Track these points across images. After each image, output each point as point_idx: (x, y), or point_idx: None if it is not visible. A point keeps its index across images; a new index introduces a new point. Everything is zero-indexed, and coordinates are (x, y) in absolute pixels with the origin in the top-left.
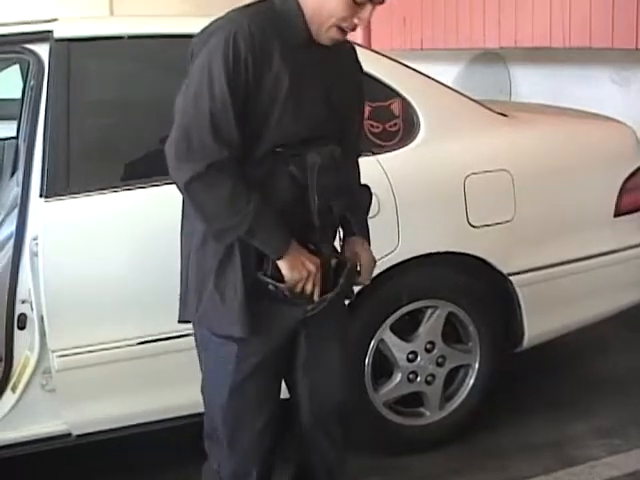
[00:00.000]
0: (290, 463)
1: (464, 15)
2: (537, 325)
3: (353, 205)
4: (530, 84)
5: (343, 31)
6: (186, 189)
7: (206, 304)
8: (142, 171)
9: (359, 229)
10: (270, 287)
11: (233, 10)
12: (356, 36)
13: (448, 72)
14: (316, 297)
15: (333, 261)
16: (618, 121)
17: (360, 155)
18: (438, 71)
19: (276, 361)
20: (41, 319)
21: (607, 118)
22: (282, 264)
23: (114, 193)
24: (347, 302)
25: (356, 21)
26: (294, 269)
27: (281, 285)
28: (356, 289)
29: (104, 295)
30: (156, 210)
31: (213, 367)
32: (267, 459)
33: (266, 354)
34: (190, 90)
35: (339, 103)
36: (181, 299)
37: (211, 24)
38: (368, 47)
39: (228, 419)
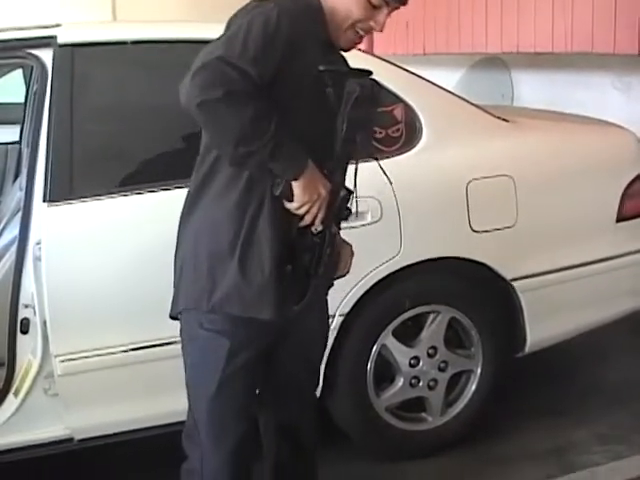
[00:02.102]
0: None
1: (466, 20)
2: (539, 330)
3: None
4: (532, 89)
5: (359, 35)
6: (207, 109)
7: (226, 286)
8: (146, 176)
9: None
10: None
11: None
12: None
13: (450, 77)
14: (318, 223)
15: (342, 192)
16: (620, 127)
17: None
18: (440, 76)
19: (261, 360)
20: (44, 323)
21: (609, 124)
22: (296, 184)
23: (117, 198)
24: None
25: (372, 24)
26: (306, 190)
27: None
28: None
29: (107, 300)
30: (160, 215)
31: (200, 360)
32: (250, 458)
33: (258, 350)
34: (222, 37)
35: None
36: (176, 290)
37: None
38: (370, 52)
39: (214, 416)
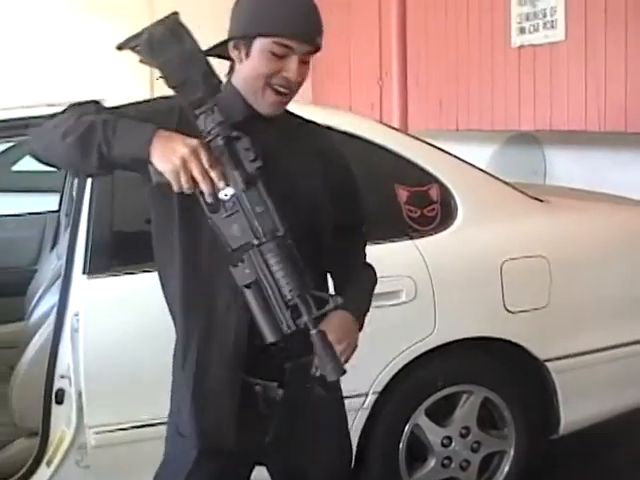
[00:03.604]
0: None
1: (499, 98)
2: (574, 412)
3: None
4: (565, 167)
5: (278, 92)
6: (35, 131)
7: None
8: None
9: (350, 303)
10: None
11: None
12: (392, 117)
13: (483, 152)
14: (205, 188)
15: (219, 139)
16: None
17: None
18: (473, 151)
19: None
20: (79, 395)
21: None
22: (154, 160)
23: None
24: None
25: (285, 74)
26: (163, 158)
27: None
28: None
29: (143, 373)
30: None
31: (170, 459)
32: None
33: (229, 464)
34: None
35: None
36: None
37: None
38: (405, 131)
39: None
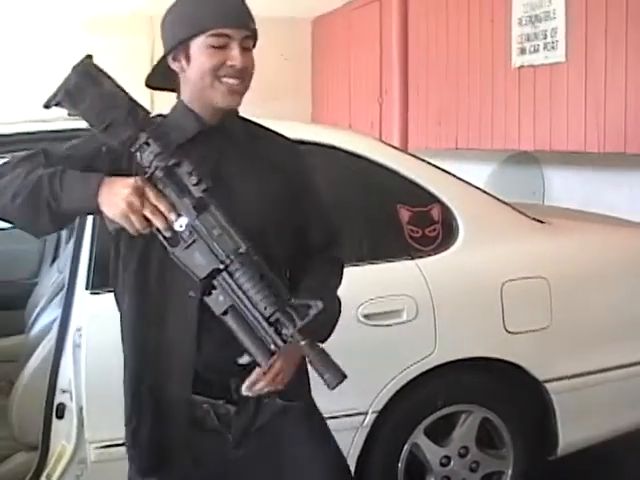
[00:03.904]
0: None
1: (499, 117)
2: (572, 433)
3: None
4: (564, 187)
5: (228, 83)
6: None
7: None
8: None
9: (308, 326)
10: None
11: None
12: (392, 135)
13: (481, 171)
14: (158, 224)
15: (158, 172)
16: None
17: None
18: (471, 170)
19: None
20: (80, 410)
21: None
22: (104, 209)
23: None
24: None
25: (230, 63)
26: (110, 204)
27: None
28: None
29: None
30: None
31: None
32: None
33: None
34: None
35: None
36: None
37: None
38: (405, 149)
39: None
